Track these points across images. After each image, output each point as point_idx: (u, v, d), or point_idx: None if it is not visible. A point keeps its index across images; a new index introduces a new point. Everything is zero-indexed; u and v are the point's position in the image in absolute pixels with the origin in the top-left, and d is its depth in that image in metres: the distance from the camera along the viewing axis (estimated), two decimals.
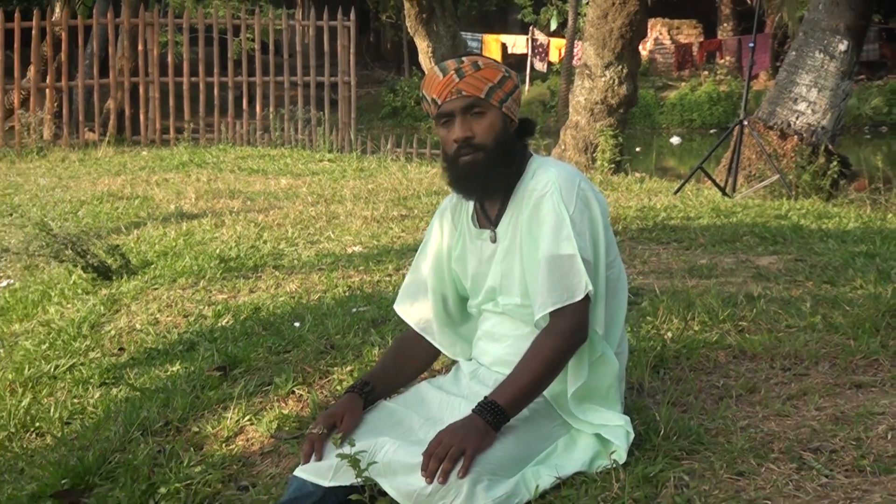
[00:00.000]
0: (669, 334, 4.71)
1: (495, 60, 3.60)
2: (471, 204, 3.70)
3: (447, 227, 3.77)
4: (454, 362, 3.95)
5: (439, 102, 3.49)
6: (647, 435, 3.57)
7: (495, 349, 3.64)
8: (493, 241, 3.60)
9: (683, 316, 4.93)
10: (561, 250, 3.36)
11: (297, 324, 5.60)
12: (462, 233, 3.72)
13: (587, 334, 3.41)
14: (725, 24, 36.86)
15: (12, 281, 8.28)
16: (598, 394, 3.50)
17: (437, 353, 3.91)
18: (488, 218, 3.64)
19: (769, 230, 7.38)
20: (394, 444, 3.30)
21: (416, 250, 7.07)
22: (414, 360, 3.87)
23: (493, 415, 3.26)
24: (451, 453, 3.12)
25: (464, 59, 3.52)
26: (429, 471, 3.12)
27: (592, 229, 3.43)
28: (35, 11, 19.96)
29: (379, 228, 8.43)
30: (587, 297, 3.36)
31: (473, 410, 3.29)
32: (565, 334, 3.34)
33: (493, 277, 3.60)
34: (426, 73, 3.63)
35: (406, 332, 3.94)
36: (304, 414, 4.44)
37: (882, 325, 4.62)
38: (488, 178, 3.51)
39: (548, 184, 3.43)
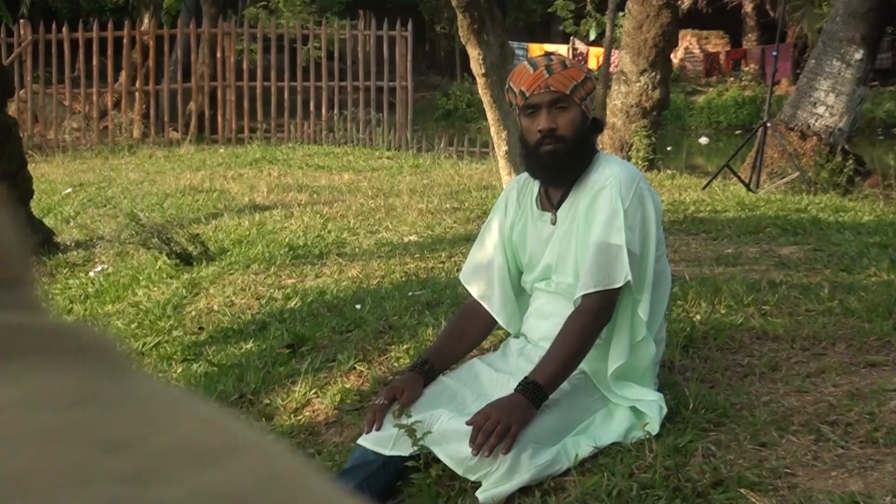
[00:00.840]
0: (698, 317, 4.68)
1: (578, 62, 3.62)
2: (536, 187, 3.72)
3: (512, 205, 3.79)
4: (502, 340, 3.95)
5: (527, 94, 3.50)
6: (678, 409, 3.56)
7: (544, 326, 3.64)
8: (553, 223, 3.62)
9: (711, 300, 4.90)
10: (611, 239, 3.37)
11: (358, 306, 5.61)
12: (525, 212, 3.74)
13: (611, 316, 3.42)
14: (750, 35, 36.54)
15: (106, 266, 8.35)
16: (636, 374, 3.50)
17: (491, 327, 3.90)
18: (550, 202, 3.66)
19: (790, 222, 7.32)
20: (448, 415, 3.31)
21: (467, 240, 7.11)
22: (469, 335, 3.85)
23: (534, 393, 3.27)
24: (497, 431, 3.14)
25: (552, 57, 3.57)
26: (476, 444, 3.13)
27: (644, 225, 3.43)
28: (126, 22, 20.11)
29: (433, 220, 8.42)
30: (621, 287, 3.35)
31: (516, 389, 3.30)
32: (592, 315, 3.36)
33: (549, 256, 3.62)
34: (516, 67, 3.63)
35: (463, 307, 3.94)
36: (364, 388, 4.45)
37: (894, 310, 4.57)
38: (566, 166, 3.53)
39: (609, 177, 3.45)
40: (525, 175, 3.81)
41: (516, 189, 3.80)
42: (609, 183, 3.43)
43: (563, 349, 3.34)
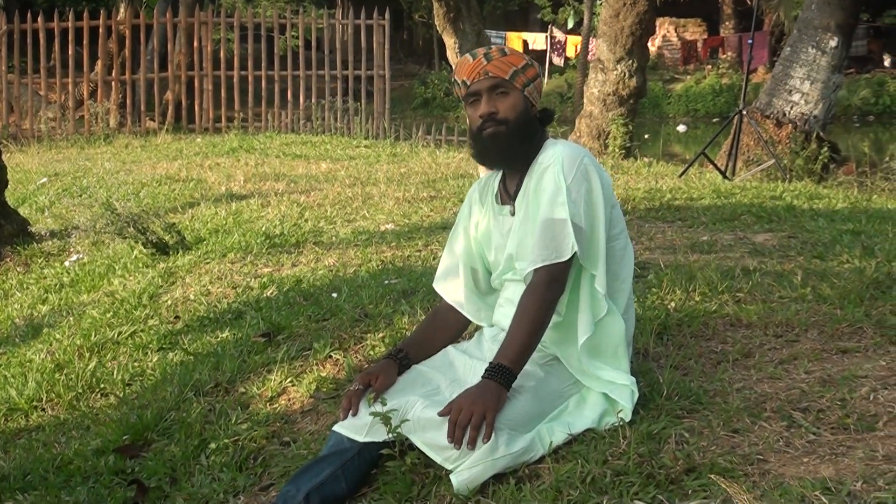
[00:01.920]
0: (673, 304, 4.69)
1: (519, 51, 3.64)
2: (496, 184, 3.76)
3: (475, 205, 3.82)
4: (478, 329, 3.95)
5: (468, 83, 3.54)
6: (651, 396, 3.56)
7: (513, 313, 3.65)
8: (512, 213, 3.64)
9: (686, 287, 4.91)
10: (555, 214, 3.40)
11: (334, 294, 5.61)
12: (487, 209, 3.76)
13: (563, 288, 3.44)
14: (727, 23, 36.61)
15: (81, 255, 8.32)
16: (607, 352, 3.49)
17: (466, 325, 3.92)
18: (508, 194, 3.69)
19: (765, 210, 7.33)
20: (423, 402, 3.31)
21: (443, 228, 7.10)
22: (444, 331, 3.87)
23: (502, 375, 3.28)
24: (473, 421, 3.14)
25: (492, 47, 3.61)
26: (455, 438, 3.13)
27: (589, 199, 3.45)
28: (101, 11, 20.00)
29: (410, 208, 8.42)
30: (570, 259, 3.39)
31: (483, 376, 3.30)
32: (542, 288, 3.38)
33: (510, 246, 3.63)
34: (459, 60, 3.65)
35: (440, 305, 3.95)
36: (340, 376, 4.45)
37: (866, 297, 4.58)
38: (508, 148, 3.55)
39: (552, 156, 3.48)
40: (486, 176, 3.85)
41: (478, 190, 3.84)
42: (552, 161, 3.46)
43: (521, 327, 3.35)
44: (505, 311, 3.70)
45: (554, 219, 3.39)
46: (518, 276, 3.63)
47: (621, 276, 3.59)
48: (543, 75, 35.75)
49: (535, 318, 3.36)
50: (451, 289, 3.86)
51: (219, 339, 5.29)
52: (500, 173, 3.76)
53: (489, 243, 3.76)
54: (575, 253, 3.37)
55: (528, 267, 3.43)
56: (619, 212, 3.62)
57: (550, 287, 3.39)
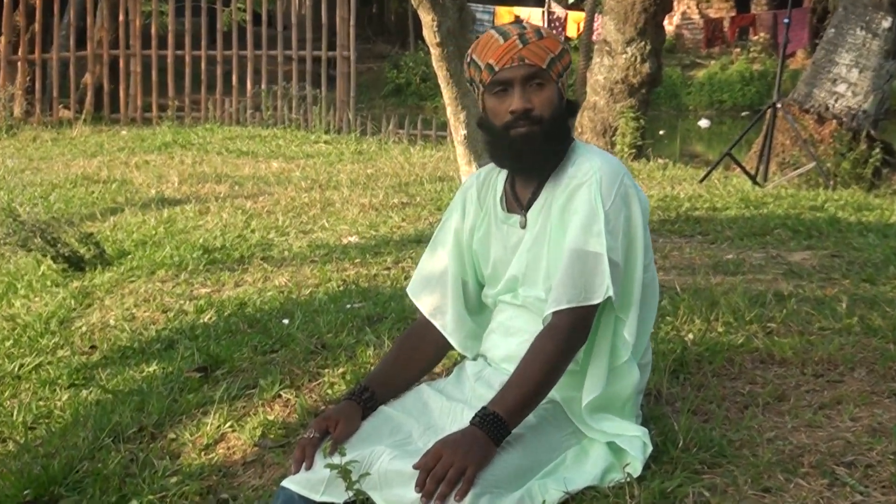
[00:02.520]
0: (690, 336, 4.70)
1: (554, 31, 3.62)
2: (500, 184, 3.71)
3: (472, 205, 3.77)
4: (456, 363, 3.94)
5: (496, 69, 3.48)
6: (665, 446, 3.56)
7: (508, 344, 3.63)
8: (523, 226, 3.60)
9: (706, 316, 4.92)
10: (588, 246, 3.36)
11: (285, 321, 5.59)
12: (487, 214, 3.72)
13: (587, 337, 3.41)
14: None
15: None
16: (615, 405, 3.49)
17: (444, 351, 3.88)
18: (519, 202, 3.64)
19: (803, 223, 7.37)
20: (390, 453, 3.28)
21: (418, 242, 7.10)
22: (418, 359, 3.82)
23: (494, 427, 3.23)
24: (449, 476, 3.10)
25: (525, 25, 3.54)
26: (425, 490, 3.11)
27: (628, 230, 3.43)
28: None
29: (378, 217, 8.42)
30: (600, 303, 3.36)
31: (472, 422, 3.26)
32: (564, 335, 3.34)
33: (516, 266, 3.60)
34: (480, 37, 3.60)
35: (412, 325, 3.92)
36: (291, 420, 4.44)
37: None
38: (541, 153, 3.52)
39: (589, 172, 3.44)
40: (487, 170, 3.79)
41: (476, 186, 3.78)
42: (588, 179, 3.42)
43: (530, 374, 3.31)
44: (495, 341, 3.68)
45: (587, 251, 3.36)
46: (518, 301, 3.61)
47: (645, 315, 3.57)
48: None
49: (549, 367, 3.33)
50: (432, 302, 3.80)
51: (144, 373, 5.27)
52: (507, 172, 3.72)
53: (486, 254, 3.72)
54: (609, 296, 3.35)
55: (550, 307, 3.38)
56: (650, 239, 3.60)
57: (574, 334, 3.36)
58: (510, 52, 3.45)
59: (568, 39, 35.22)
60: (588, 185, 3.40)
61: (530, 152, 3.50)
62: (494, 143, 3.57)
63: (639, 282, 3.45)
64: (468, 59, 3.58)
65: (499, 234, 3.68)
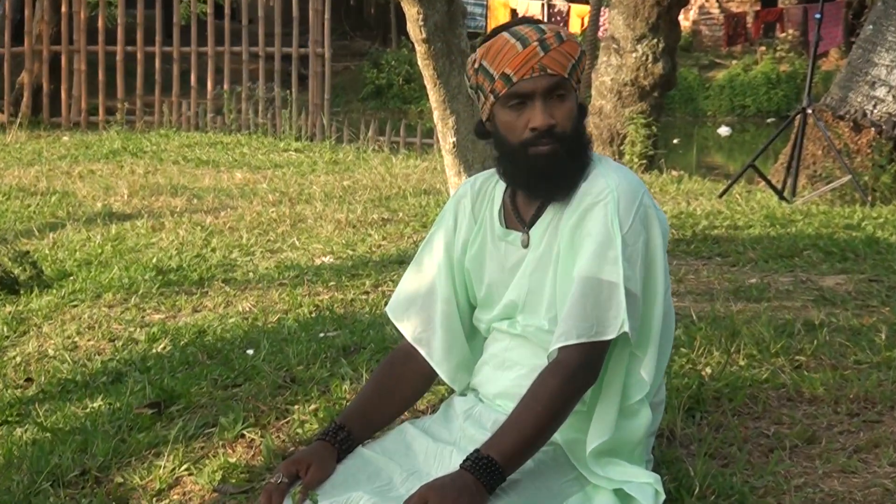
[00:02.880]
0: (708, 370, 4.71)
1: (572, 32, 3.59)
2: (498, 195, 3.68)
3: (465, 218, 3.74)
4: (442, 399, 3.93)
5: (514, 79, 3.44)
6: (679, 494, 3.57)
7: (503, 378, 3.61)
8: (525, 245, 3.58)
9: (726, 348, 4.93)
10: (603, 274, 3.34)
11: (250, 351, 5.59)
12: (483, 229, 3.70)
13: (597, 377, 3.39)
14: None
15: None
16: (624, 450, 3.48)
17: (430, 381, 3.86)
18: (521, 218, 3.62)
19: (837, 243, 7.38)
20: (369, 500, 3.28)
21: (400, 263, 7.11)
22: (400, 392, 3.80)
23: (487, 473, 3.20)
24: None
25: (544, 27, 3.50)
26: None
27: (647, 256, 3.41)
28: None
29: (355, 235, 8.42)
30: (613, 339, 3.35)
31: (463, 466, 3.24)
32: (571, 373, 3.31)
33: (515, 290, 3.58)
34: (495, 41, 3.54)
35: (393, 352, 3.90)
36: (255, 462, 4.43)
37: None
38: (565, 173, 3.50)
39: (604, 191, 3.41)
40: (483, 178, 3.77)
41: (470, 196, 3.75)
42: (604, 198, 3.40)
43: (531, 416, 3.29)
44: (488, 374, 3.67)
45: (601, 280, 3.33)
46: (516, 330, 3.59)
47: (661, 350, 3.56)
48: None
49: (553, 409, 3.30)
50: (417, 325, 3.77)
51: (88, 410, 5.26)
52: (506, 186, 3.69)
53: (480, 274, 3.70)
54: (625, 332, 3.33)
55: (557, 341, 3.35)
56: (667, 264, 3.58)
57: (583, 373, 3.34)
58: (531, 60, 3.42)
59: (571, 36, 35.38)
60: (604, 205, 3.38)
61: (554, 173, 3.48)
62: (511, 162, 3.54)
63: (659, 315, 3.44)
64: (476, 65, 3.52)
65: (495, 252, 3.65)
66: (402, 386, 3.80)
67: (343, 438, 3.58)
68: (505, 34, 3.50)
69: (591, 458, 3.43)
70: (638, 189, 3.44)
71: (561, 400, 3.31)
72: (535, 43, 3.43)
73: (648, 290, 3.42)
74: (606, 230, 3.35)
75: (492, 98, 3.50)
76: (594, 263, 3.34)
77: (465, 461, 3.25)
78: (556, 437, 3.46)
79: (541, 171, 3.48)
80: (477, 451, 3.26)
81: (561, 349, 3.34)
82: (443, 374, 3.77)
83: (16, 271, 7.48)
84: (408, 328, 3.78)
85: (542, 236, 3.53)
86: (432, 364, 3.75)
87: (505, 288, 3.62)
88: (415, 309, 3.78)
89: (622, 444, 3.46)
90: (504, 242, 3.63)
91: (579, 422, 3.46)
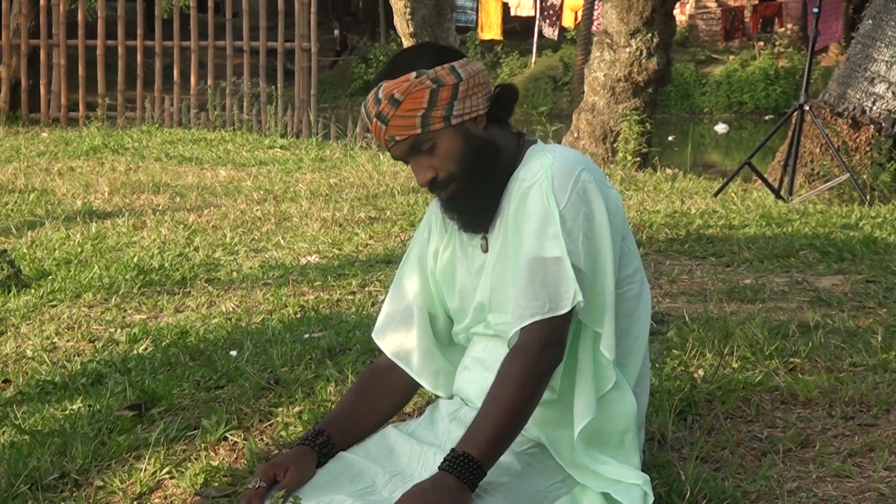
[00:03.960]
0: (700, 372, 4.73)
1: (417, 68, 3.51)
2: None
3: (436, 228, 3.79)
4: (429, 402, 3.94)
5: (384, 148, 3.57)
6: (669, 498, 3.59)
7: (484, 379, 3.58)
8: (485, 249, 3.62)
9: (719, 349, 4.94)
10: (545, 252, 3.37)
11: (233, 352, 5.60)
12: (452, 237, 3.74)
13: (563, 353, 3.41)
14: None
15: None
16: (611, 440, 3.49)
17: (413, 388, 3.89)
18: (477, 226, 3.66)
19: (834, 243, 7.40)
20: (351, 503, 3.29)
21: (387, 262, 7.13)
22: (382, 402, 3.84)
23: (466, 470, 3.22)
24: None
25: (380, 94, 3.48)
26: None
27: (590, 230, 3.42)
28: None
29: (341, 234, 8.43)
30: (570, 312, 3.37)
31: (441, 467, 3.25)
32: (533, 352, 3.33)
33: (481, 291, 3.61)
34: (363, 106, 3.61)
35: (374, 362, 3.93)
36: (238, 466, 4.44)
37: None
38: (477, 200, 3.55)
39: (538, 172, 3.44)
40: None
41: (439, 209, 3.78)
42: (538, 178, 3.43)
43: (501, 404, 3.31)
44: (471, 377, 3.68)
45: (545, 257, 3.36)
46: (491, 331, 3.62)
47: (633, 333, 3.58)
48: (530, 52, 35.61)
49: (522, 392, 3.31)
50: (396, 341, 3.82)
51: (67, 412, 5.25)
52: None
53: (451, 284, 3.74)
54: (578, 304, 3.36)
55: (513, 325, 3.39)
56: (633, 244, 3.62)
57: (545, 352, 3.35)
58: (380, 135, 3.49)
59: (564, 30, 35.37)
60: (539, 185, 3.42)
61: (463, 209, 3.57)
62: (436, 202, 3.67)
63: (610, 289, 3.44)
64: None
65: (463, 257, 3.70)
66: (383, 397, 3.85)
67: (323, 443, 3.61)
68: (365, 102, 3.57)
69: (580, 446, 3.43)
70: (575, 165, 3.46)
71: (528, 383, 3.32)
72: (375, 118, 3.48)
73: (598, 266, 3.44)
74: (544, 208, 3.39)
75: None
76: (536, 243, 3.38)
77: (442, 462, 3.26)
78: (540, 437, 3.49)
79: (455, 209, 3.57)
80: (453, 450, 3.27)
81: (520, 332, 3.37)
82: (425, 384, 3.84)
83: None
84: (387, 345, 3.84)
85: (497, 235, 3.58)
86: (413, 376, 3.81)
87: (474, 292, 3.65)
88: (394, 325, 3.84)
89: (608, 432, 3.48)
90: (470, 247, 3.68)
91: (556, 414, 3.49)
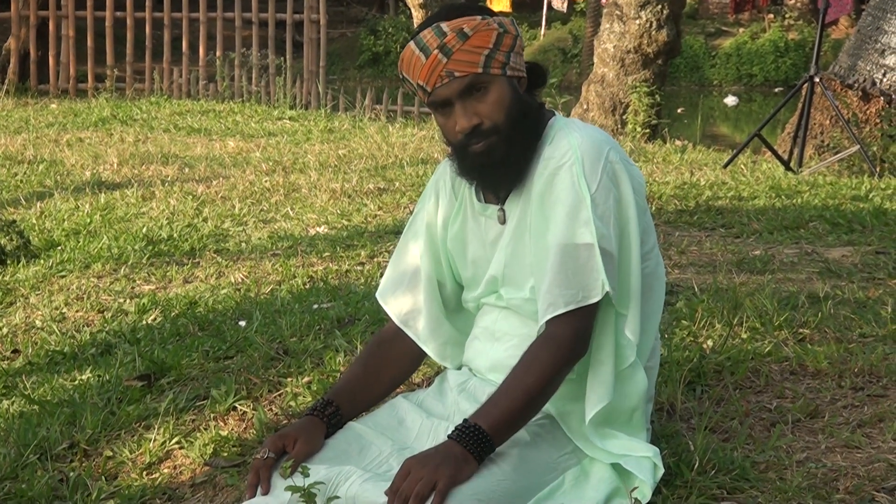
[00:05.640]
0: (710, 342, 4.72)
1: (481, 13, 3.49)
2: None
3: (445, 195, 3.75)
4: (438, 372, 3.94)
5: (428, 89, 3.46)
6: (678, 468, 3.58)
7: (494, 350, 3.63)
8: (502, 221, 3.59)
9: (728, 320, 4.94)
10: (577, 238, 3.34)
11: (242, 323, 5.61)
12: (463, 205, 3.71)
13: (588, 346, 3.41)
14: None
15: None
16: (621, 417, 3.49)
17: (420, 357, 3.88)
18: (495, 193, 3.63)
19: (843, 215, 7.39)
20: (360, 475, 3.28)
21: (395, 233, 7.12)
22: (389, 370, 3.83)
23: (475, 441, 3.23)
24: (417, 490, 3.10)
25: (444, 27, 3.44)
26: None
27: (620, 213, 3.41)
28: None
29: (350, 205, 8.43)
30: (599, 301, 3.36)
31: (450, 435, 3.26)
32: (566, 343, 3.34)
33: (495, 265, 3.60)
34: (404, 51, 3.53)
35: (381, 331, 3.92)
36: (247, 436, 4.45)
37: None
38: (509, 162, 3.50)
39: (567, 152, 3.41)
40: None
41: (449, 175, 3.75)
42: (567, 159, 3.40)
43: (521, 386, 3.31)
44: (480, 348, 3.68)
45: (577, 244, 3.34)
46: (503, 302, 3.61)
47: (647, 310, 3.57)
48: (539, 25, 35.49)
49: (544, 379, 3.33)
50: (403, 306, 3.81)
51: (76, 382, 5.27)
52: None
53: (463, 252, 3.72)
54: (608, 292, 3.34)
55: (544, 314, 3.37)
56: (650, 220, 3.60)
57: (576, 345, 3.36)
58: (436, 69, 3.42)
59: (573, 2, 35.27)
60: (569, 167, 3.39)
61: (496, 166, 3.50)
62: (458, 159, 3.57)
63: (637, 270, 3.44)
64: (401, 76, 3.56)
65: (476, 227, 3.67)
66: (390, 366, 3.83)
67: (331, 413, 3.60)
68: (411, 44, 3.50)
69: (591, 429, 3.44)
70: (602, 145, 3.44)
71: (552, 372, 3.33)
72: (436, 51, 3.42)
73: (624, 247, 3.43)
74: (575, 193, 3.36)
75: (424, 103, 3.56)
76: (567, 228, 3.35)
77: (452, 431, 3.26)
78: (550, 408, 3.48)
79: (483, 168, 3.51)
80: (465, 420, 3.27)
81: (549, 321, 3.36)
82: (431, 353, 3.82)
83: (2, 241, 7.48)
84: (394, 310, 3.82)
85: (516, 208, 3.55)
86: (420, 344, 3.80)
87: (487, 263, 3.63)
88: (400, 290, 3.82)
89: (619, 410, 3.48)
90: (483, 217, 3.65)
91: (571, 390, 3.48)
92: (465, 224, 3.70)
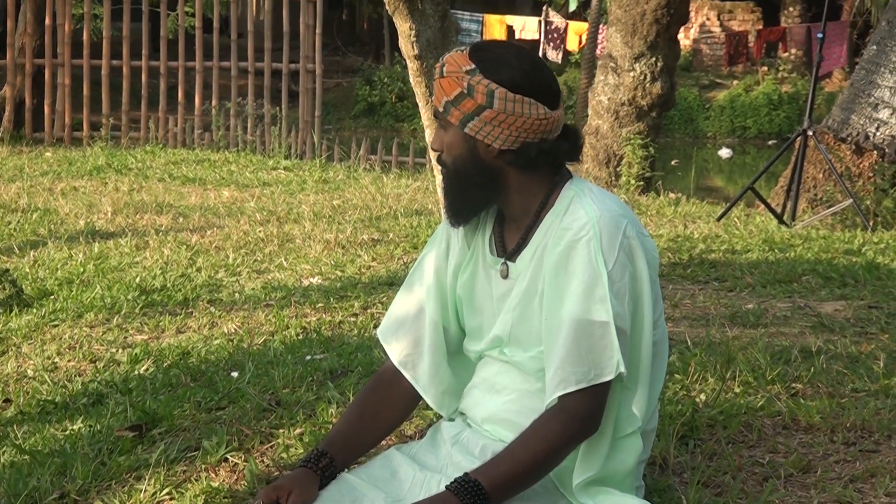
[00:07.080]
0: (702, 396, 4.72)
1: (474, 65, 3.40)
2: (490, 221, 3.66)
3: (457, 242, 3.71)
4: (430, 424, 3.93)
5: None
6: None
7: (492, 402, 3.61)
8: (504, 276, 3.57)
9: (721, 374, 4.94)
10: (592, 315, 3.33)
11: (234, 374, 5.60)
12: (475, 255, 3.68)
13: (599, 424, 3.38)
14: (791, 9, 36.95)
15: None
16: (613, 480, 3.48)
17: (415, 402, 3.85)
18: (503, 247, 3.61)
19: (836, 269, 7.40)
20: None
21: (390, 285, 7.13)
22: (384, 416, 3.80)
23: (472, 495, 3.22)
24: None
25: (449, 53, 3.50)
26: None
27: (634, 290, 3.40)
28: None
29: (344, 256, 8.43)
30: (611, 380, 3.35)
31: (448, 487, 3.24)
32: (576, 421, 3.33)
33: (500, 325, 3.57)
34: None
35: (379, 371, 3.88)
36: (238, 487, 4.43)
37: None
38: (454, 197, 3.56)
39: (586, 226, 3.38)
40: None
41: None
42: (585, 233, 3.37)
43: (528, 453, 3.30)
44: (478, 398, 3.65)
45: (592, 321, 3.32)
46: (505, 357, 3.60)
47: (653, 377, 3.56)
48: None
49: (550, 451, 3.32)
50: (404, 348, 3.76)
51: (67, 432, 5.25)
52: (497, 211, 3.65)
53: (471, 301, 3.69)
54: (621, 373, 3.33)
55: (555, 390, 3.34)
56: (658, 291, 3.57)
57: (585, 423, 3.35)
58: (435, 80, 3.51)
59: (568, 54, 35.34)
60: (587, 242, 3.36)
61: (448, 196, 3.57)
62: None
63: (648, 347, 3.44)
64: None
65: (486, 279, 3.64)
66: (386, 409, 3.79)
67: (325, 465, 3.58)
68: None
69: (579, 490, 3.43)
70: (620, 220, 3.41)
71: (561, 445, 3.32)
72: (438, 67, 3.50)
73: (637, 323, 3.42)
74: (592, 268, 3.34)
75: None
76: (583, 305, 3.33)
77: (451, 483, 3.25)
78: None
79: (445, 189, 3.59)
80: (466, 474, 3.26)
81: (562, 396, 3.34)
82: (429, 400, 3.78)
83: None
84: (395, 351, 3.77)
85: (527, 269, 3.52)
86: (418, 389, 3.75)
87: (493, 318, 3.60)
88: (403, 331, 3.77)
89: (612, 474, 3.46)
90: (493, 270, 3.62)
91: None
92: (475, 275, 3.67)
